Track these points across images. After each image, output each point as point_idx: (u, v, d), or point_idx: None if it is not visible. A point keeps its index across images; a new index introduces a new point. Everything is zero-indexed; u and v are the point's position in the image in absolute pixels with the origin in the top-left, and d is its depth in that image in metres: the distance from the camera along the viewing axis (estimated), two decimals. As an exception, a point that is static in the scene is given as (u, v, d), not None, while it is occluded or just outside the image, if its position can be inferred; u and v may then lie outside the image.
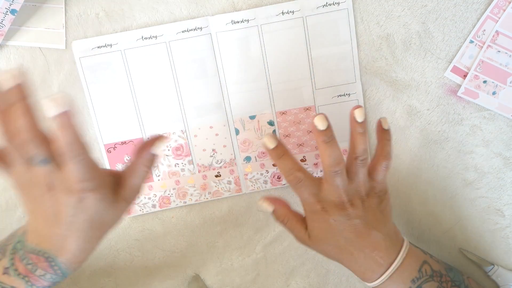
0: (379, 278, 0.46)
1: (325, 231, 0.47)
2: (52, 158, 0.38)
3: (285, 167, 0.47)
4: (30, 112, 0.37)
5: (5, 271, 0.41)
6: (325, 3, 0.53)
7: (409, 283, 0.47)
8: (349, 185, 0.46)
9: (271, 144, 0.47)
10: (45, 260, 0.40)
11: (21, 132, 0.37)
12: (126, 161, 0.57)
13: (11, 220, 0.59)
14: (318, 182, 0.47)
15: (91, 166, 0.38)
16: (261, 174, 0.58)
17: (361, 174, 0.47)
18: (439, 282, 0.48)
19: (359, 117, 0.46)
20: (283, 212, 0.50)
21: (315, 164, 0.58)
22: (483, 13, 0.55)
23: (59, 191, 0.39)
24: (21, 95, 0.37)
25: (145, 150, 0.44)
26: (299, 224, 0.49)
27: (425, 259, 0.48)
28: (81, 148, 0.37)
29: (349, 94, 0.56)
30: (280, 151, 0.47)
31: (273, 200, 0.51)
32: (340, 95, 0.56)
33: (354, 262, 0.47)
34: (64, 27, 0.54)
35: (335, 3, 0.53)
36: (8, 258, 0.41)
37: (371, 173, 0.48)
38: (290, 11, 0.54)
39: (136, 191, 0.44)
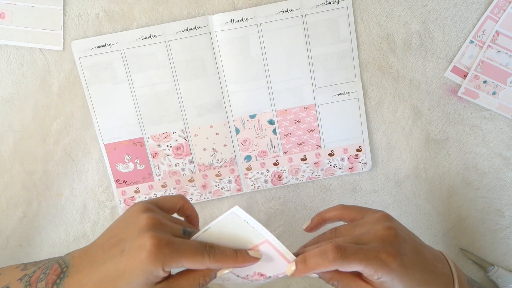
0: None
1: None
2: None
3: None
4: None
5: None
6: (324, 1, 0.53)
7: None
8: None
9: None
10: None
11: None
12: (127, 160, 0.57)
13: (11, 220, 0.59)
14: None
15: None
16: (262, 173, 0.58)
17: None
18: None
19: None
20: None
21: (316, 163, 0.58)
22: (483, 13, 0.55)
23: None
24: None
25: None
26: None
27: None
28: None
29: (349, 93, 0.56)
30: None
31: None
32: (340, 94, 0.56)
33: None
34: (62, 29, 0.54)
35: (335, 1, 0.53)
36: None
37: None
38: (289, 10, 0.54)
39: None
